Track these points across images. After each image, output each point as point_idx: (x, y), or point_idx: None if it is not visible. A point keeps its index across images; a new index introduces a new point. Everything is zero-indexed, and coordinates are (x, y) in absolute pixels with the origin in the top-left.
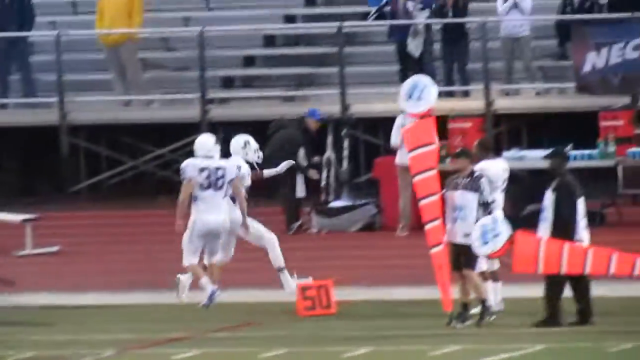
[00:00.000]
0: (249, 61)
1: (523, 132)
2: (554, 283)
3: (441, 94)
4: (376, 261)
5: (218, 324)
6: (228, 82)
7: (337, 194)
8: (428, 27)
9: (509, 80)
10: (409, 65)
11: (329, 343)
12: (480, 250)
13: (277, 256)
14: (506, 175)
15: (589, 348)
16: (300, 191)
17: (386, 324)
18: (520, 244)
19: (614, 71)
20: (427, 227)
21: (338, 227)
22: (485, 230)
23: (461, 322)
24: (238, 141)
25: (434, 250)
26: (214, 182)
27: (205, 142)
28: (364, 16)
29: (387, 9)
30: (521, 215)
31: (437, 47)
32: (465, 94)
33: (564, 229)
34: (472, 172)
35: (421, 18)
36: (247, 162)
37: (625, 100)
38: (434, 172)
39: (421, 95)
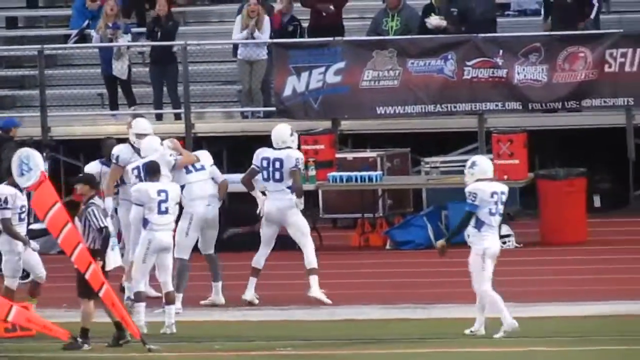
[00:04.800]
0: None
1: (224, 155)
2: None
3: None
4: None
5: None
6: None
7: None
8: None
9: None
10: (115, 88)
11: None
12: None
13: None
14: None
15: None
16: None
17: None
18: None
19: (315, 95)
20: (87, 275)
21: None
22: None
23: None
24: None
25: (101, 292)
26: None
27: None
28: (66, 39)
29: (89, 31)
30: (221, 239)
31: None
32: (177, 116)
33: None
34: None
35: (123, 41)
36: None
37: (326, 124)
38: (70, 226)
39: (29, 166)
